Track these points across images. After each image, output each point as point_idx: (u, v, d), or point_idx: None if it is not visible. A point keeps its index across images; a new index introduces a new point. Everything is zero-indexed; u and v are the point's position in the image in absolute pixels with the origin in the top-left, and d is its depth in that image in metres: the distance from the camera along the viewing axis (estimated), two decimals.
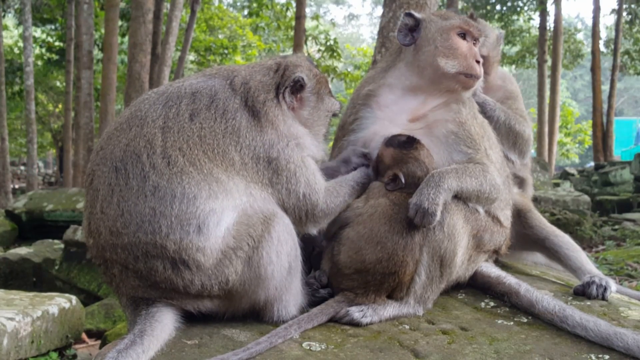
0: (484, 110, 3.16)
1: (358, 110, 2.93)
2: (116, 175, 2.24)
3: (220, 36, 29.99)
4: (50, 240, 9.14)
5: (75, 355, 5.45)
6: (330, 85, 2.79)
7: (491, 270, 2.80)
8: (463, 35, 2.85)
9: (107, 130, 2.44)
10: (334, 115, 2.79)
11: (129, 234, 2.19)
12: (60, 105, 32.59)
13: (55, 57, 28.78)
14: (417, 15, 2.92)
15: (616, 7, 28.31)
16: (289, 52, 27.63)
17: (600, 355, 2.18)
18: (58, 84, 32.39)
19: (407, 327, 2.44)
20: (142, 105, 2.40)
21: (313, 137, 2.60)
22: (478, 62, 2.82)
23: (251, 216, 2.31)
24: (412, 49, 2.89)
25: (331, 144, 3.21)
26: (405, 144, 2.66)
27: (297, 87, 2.55)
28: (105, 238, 2.24)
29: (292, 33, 21.82)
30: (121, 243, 2.21)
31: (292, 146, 2.44)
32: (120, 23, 20.10)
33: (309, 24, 23.39)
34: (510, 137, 3.34)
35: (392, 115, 2.85)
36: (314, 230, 2.55)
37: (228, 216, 2.25)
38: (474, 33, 2.87)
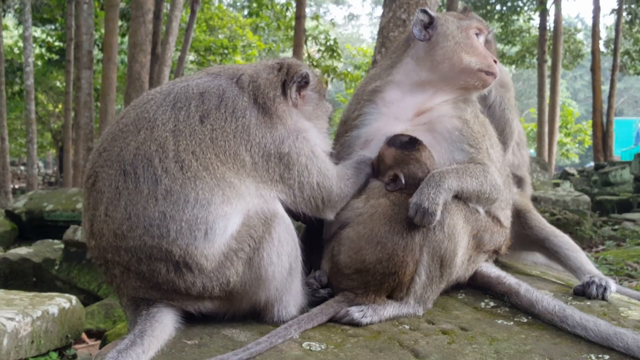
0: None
1: (362, 106, 2.93)
2: (124, 178, 2.22)
3: (220, 36, 29.99)
4: (50, 240, 9.14)
5: (75, 355, 5.45)
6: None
7: (491, 270, 2.80)
8: (478, 35, 2.95)
9: (108, 131, 2.41)
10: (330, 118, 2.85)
11: (134, 237, 2.18)
12: (60, 105, 32.59)
13: (55, 57, 28.77)
14: (432, 13, 2.96)
15: (616, 7, 28.31)
16: (289, 52, 27.65)
17: (600, 355, 2.18)
18: (58, 84, 32.39)
19: (407, 327, 2.44)
20: (148, 107, 2.38)
21: (318, 131, 2.65)
22: (495, 61, 2.90)
23: (252, 217, 2.31)
24: (424, 44, 2.91)
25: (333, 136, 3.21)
26: (407, 145, 2.66)
27: (303, 83, 2.59)
28: (108, 240, 2.24)
29: (292, 33, 21.81)
30: (125, 246, 2.20)
31: (301, 139, 2.47)
32: (120, 23, 20.10)
33: (309, 24, 23.39)
34: (500, 123, 3.37)
35: (397, 112, 2.86)
36: (331, 216, 2.60)
37: (234, 221, 2.25)
38: (486, 34, 3.00)
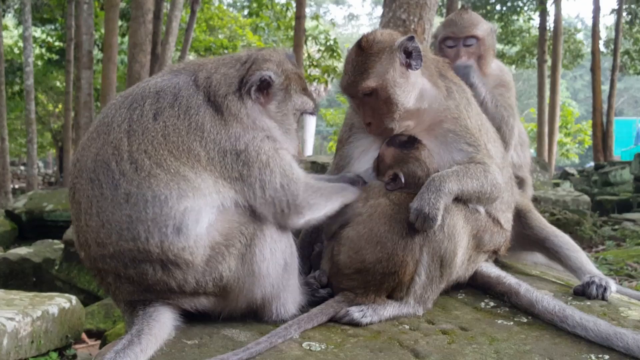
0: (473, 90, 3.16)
1: (353, 125, 2.91)
2: (92, 186, 2.23)
3: (220, 36, 29.99)
4: (50, 240, 9.16)
5: (75, 355, 5.46)
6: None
7: (491, 270, 2.80)
8: None
9: (81, 141, 2.42)
10: (311, 113, 2.68)
11: (112, 244, 2.19)
12: (60, 105, 32.57)
13: (55, 57, 28.78)
14: None
15: (616, 7, 28.32)
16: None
17: (600, 355, 2.18)
18: (58, 84, 32.38)
19: (407, 327, 2.44)
20: (109, 111, 2.38)
21: (284, 132, 2.51)
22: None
23: (240, 213, 2.31)
24: None
25: (331, 144, 3.20)
26: (406, 144, 2.66)
27: (264, 85, 2.45)
28: (94, 250, 2.25)
29: (292, 33, 21.81)
30: (108, 253, 2.21)
31: (262, 137, 2.37)
32: (120, 23, 20.10)
33: (309, 24, 23.38)
34: (495, 120, 3.28)
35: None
36: (299, 223, 2.42)
37: (207, 212, 2.23)
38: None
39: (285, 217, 2.37)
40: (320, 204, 2.46)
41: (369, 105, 2.68)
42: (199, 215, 2.20)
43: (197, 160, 2.26)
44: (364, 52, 2.65)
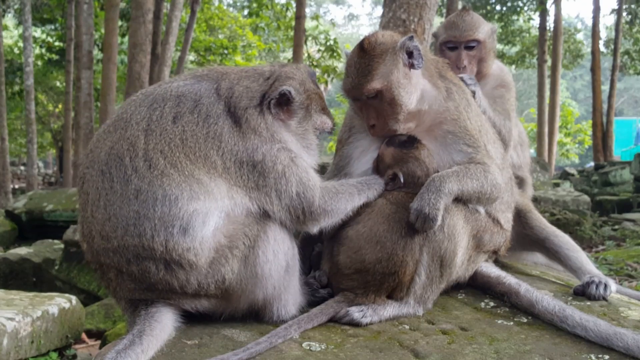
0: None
1: (353, 126, 2.92)
2: (102, 178, 2.25)
3: (220, 36, 30.00)
4: (50, 240, 9.16)
5: (75, 356, 5.45)
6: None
7: (491, 270, 2.80)
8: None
9: (97, 133, 2.45)
10: (329, 133, 2.73)
11: (117, 238, 2.20)
12: (60, 105, 32.59)
13: (55, 57, 28.78)
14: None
15: (616, 7, 28.34)
16: (289, 52, 27.64)
17: (600, 355, 2.19)
18: (58, 84, 32.39)
19: (407, 327, 2.44)
20: (128, 108, 2.40)
21: (304, 147, 2.56)
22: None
23: (246, 216, 2.31)
24: None
25: (331, 144, 3.19)
26: (406, 143, 2.66)
27: (284, 100, 2.49)
28: (98, 242, 2.25)
29: (292, 33, 21.80)
30: (112, 247, 2.22)
31: (279, 148, 2.40)
32: (120, 23, 20.10)
33: (309, 24, 23.38)
34: (496, 125, 3.26)
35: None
36: (314, 229, 2.48)
37: (215, 216, 2.24)
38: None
39: (301, 223, 2.43)
40: (338, 208, 2.49)
41: (373, 107, 2.67)
42: (206, 217, 2.21)
43: (214, 167, 2.29)
44: (367, 54, 2.64)
